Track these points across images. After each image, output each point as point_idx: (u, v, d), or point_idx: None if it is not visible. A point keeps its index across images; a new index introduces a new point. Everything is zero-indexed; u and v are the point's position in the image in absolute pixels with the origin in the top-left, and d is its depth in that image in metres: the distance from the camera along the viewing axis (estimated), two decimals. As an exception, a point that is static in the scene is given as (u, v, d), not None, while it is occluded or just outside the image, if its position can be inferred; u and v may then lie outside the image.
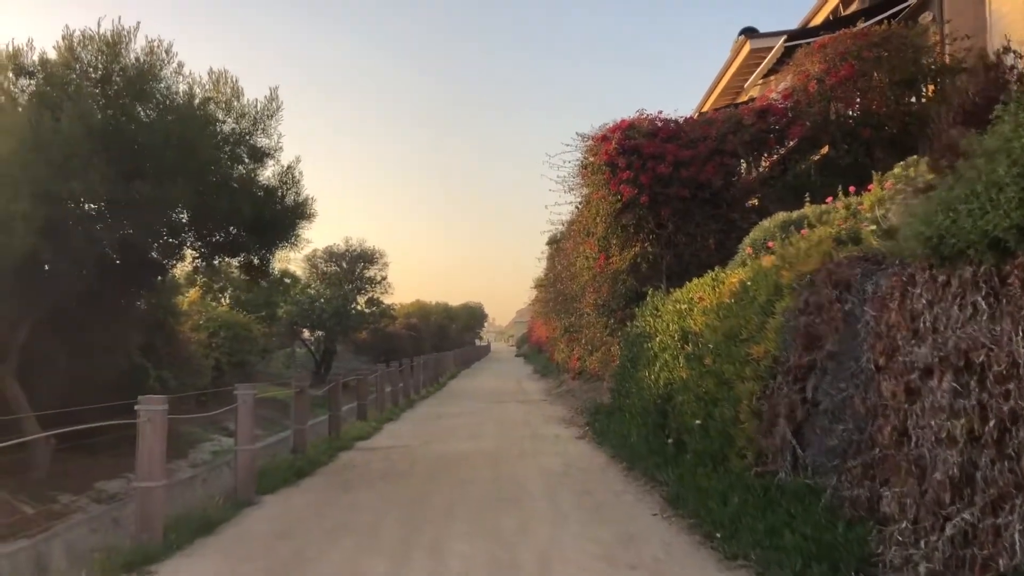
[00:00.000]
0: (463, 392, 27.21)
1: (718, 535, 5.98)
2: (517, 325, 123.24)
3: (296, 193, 11.39)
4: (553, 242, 29.51)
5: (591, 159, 15.13)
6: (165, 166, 9.17)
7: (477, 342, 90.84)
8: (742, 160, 15.04)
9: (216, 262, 12.17)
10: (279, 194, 11.27)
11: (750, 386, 7.08)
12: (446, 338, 61.00)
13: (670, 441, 9.29)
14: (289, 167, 11.36)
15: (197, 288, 18.13)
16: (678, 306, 10.52)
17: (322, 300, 29.30)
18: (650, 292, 13.16)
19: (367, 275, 35.65)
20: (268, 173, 11.32)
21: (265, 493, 8.89)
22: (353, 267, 35.25)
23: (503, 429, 15.11)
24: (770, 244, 9.25)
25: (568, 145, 15.88)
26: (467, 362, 52.32)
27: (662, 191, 14.28)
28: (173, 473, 12.68)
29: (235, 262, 12.19)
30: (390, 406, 18.83)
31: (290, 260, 12.28)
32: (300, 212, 11.48)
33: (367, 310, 37.20)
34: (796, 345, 6.54)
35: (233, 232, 11.27)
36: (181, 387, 13.21)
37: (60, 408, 10.21)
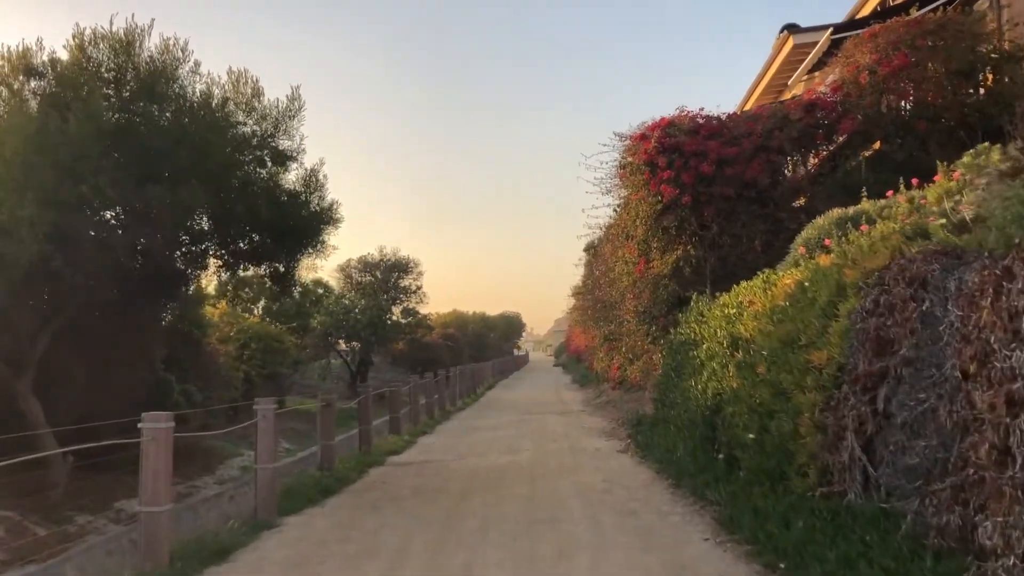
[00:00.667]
0: (500, 403, 26.62)
1: (782, 565, 5.30)
2: (555, 334, 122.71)
3: (320, 197, 10.93)
4: (590, 248, 28.94)
5: (629, 159, 14.50)
6: (180, 169, 8.73)
7: (515, 351, 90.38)
8: (789, 157, 14.32)
9: (240, 271, 11.72)
10: (303, 198, 10.80)
11: (812, 397, 6.39)
12: (484, 348, 60.71)
13: (720, 456, 8.60)
14: (313, 170, 10.91)
15: (225, 299, 17.76)
16: (726, 311, 9.83)
17: (356, 310, 28.90)
18: (694, 297, 12.48)
19: (402, 285, 35.32)
20: (291, 177, 10.88)
21: (288, 514, 8.35)
22: (388, 277, 34.91)
23: (541, 442, 14.49)
24: (827, 242, 8.57)
25: (605, 145, 15.28)
26: (505, 372, 51.75)
27: (705, 190, 13.61)
28: (198, 490, 12.26)
29: (260, 270, 11.72)
30: (425, 418, 18.30)
31: (317, 268, 11.82)
32: (325, 217, 11.00)
33: (403, 320, 36.85)
34: (864, 350, 5.85)
35: (256, 239, 10.83)
36: (208, 401, 12.80)
37: (80, 424, 9.81)
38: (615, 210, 16.56)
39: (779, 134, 13.70)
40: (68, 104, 8.25)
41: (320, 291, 27.99)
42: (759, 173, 13.56)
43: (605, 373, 27.84)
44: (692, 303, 12.45)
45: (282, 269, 11.42)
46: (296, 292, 13.00)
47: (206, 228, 10.67)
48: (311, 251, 11.22)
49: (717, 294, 11.94)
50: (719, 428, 9.04)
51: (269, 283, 11.93)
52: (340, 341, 30.09)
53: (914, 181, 8.67)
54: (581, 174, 20.82)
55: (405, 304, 35.34)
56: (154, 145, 8.71)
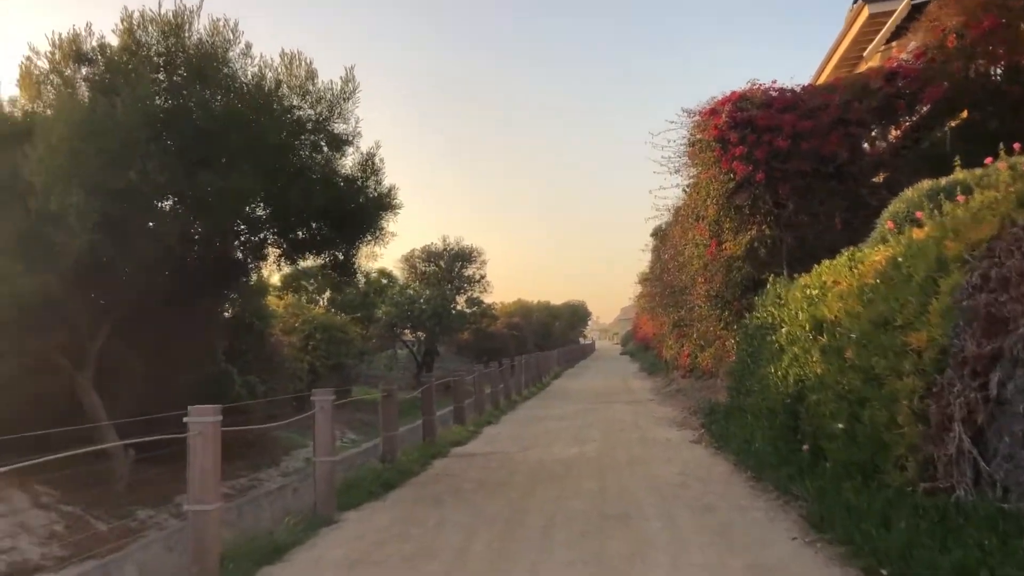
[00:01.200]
0: (567, 392, 26.16)
1: (884, 572, 4.75)
2: (621, 322, 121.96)
3: (377, 182, 10.56)
4: (658, 233, 28.31)
5: (699, 136, 13.90)
6: (232, 154, 8.45)
7: (581, 340, 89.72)
8: (868, 129, 13.53)
9: (300, 260, 11.46)
10: (359, 184, 10.45)
11: (910, 382, 5.79)
12: (549, 337, 60.31)
13: (804, 448, 8.01)
14: (369, 154, 10.53)
15: (290, 290, 17.61)
16: (808, 292, 9.20)
17: (421, 300, 28.67)
18: (771, 279, 11.83)
19: (466, 274, 35.00)
20: (347, 162, 10.54)
21: (347, 509, 8.04)
22: (451, 266, 34.61)
23: (609, 432, 14.00)
24: (918, 215, 7.89)
25: (672, 122, 14.67)
26: (571, 361, 51.23)
27: (780, 167, 12.96)
28: (262, 483, 12.09)
29: (320, 260, 11.43)
30: (490, 408, 17.92)
31: (376, 256, 11.48)
32: (383, 203, 10.64)
33: (468, 310, 36.65)
34: (973, 330, 5.24)
35: (314, 227, 10.52)
36: (271, 392, 12.60)
37: (140, 416, 9.66)
38: (684, 191, 15.95)
39: (858, 105, 12.98)
40: (117, 90, 8.02)
41: (384, 281, 27.79)
42: (837, 147, 12.88)
43: (674, 361, 27.18)
44: (768, 285, 11.81)
45: (341, 257, 11.11)
46: (358, 281, 12.59)
47: (263, 216, 10.41)
48: (370, 238, 10.88)
49: (795, 275, 11.31)
50: (802, 417, 8.46)
51: (330, 272, 11.61)
52: (406, 331, 29.94)
53: (1015, 146, 7.95)
54: (648, 154, 20.21)
55: (469, 294, 35.10)
56: (205, 130, 8.43)
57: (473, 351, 36.86)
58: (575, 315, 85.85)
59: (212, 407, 6.10)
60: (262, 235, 10.79)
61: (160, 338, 10.64)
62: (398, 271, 33.59)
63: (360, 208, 10.43)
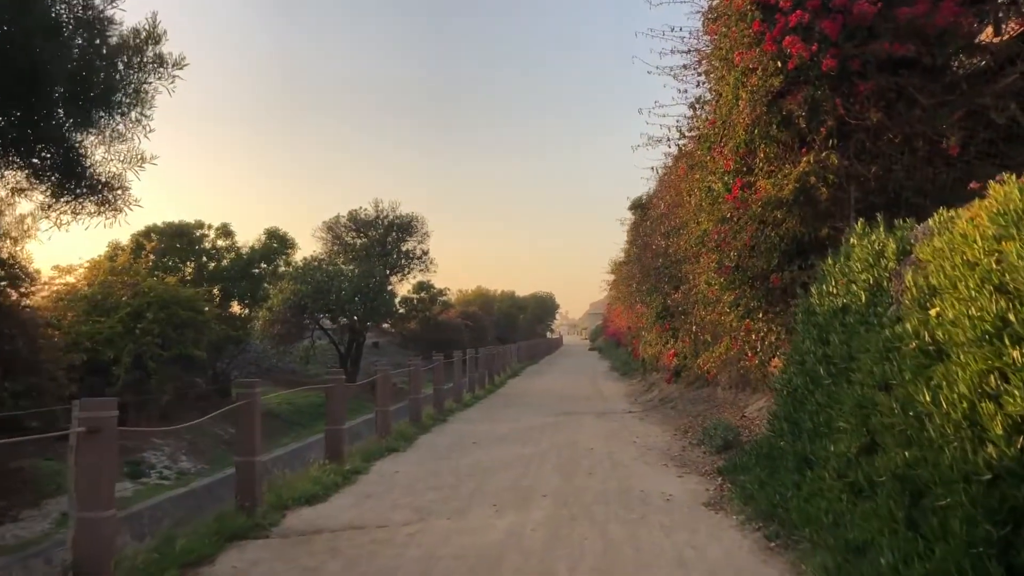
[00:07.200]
0: (522, 396, 20.87)
1: None
2: (591, 317, 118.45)
3: None
4: (639, 206, 23.54)
5: (724, 6, 8.71)
6: None
7: (548, 335, 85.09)
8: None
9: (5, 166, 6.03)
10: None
11: None
12: (513, 330, 55.61)
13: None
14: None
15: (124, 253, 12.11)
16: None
17: (343, 278, 22.94)
18: (859, 225, 6.72)
19: (404, 248, 28.98)
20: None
21: None
22: (385, 238, 28.57)
23: (572, 476, 8.81)
24: None
25: (679, -7, 9.49)
26: (535, 356, 45.89)
27: (858, 49, 7.86)
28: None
29: (35, 163, 6.00)
30: (402, 425, 12.59)
31: (142, 160, 6.25)
32: (99, 31, 5.14)
33: (414, 295, 31.39)
34: None
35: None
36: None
37: None
38: (692, 107, 10.64)
39: (989, -42, 7.92)
40: None
41: (274, 244, 21.74)
42: (957, 18, 7.79)
43: (655, 361, 22.12)
44: (852, 238, 6.71)
45: (56, 154, 5.71)
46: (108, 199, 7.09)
47: None
48: (108, 117, 5.49)
49: (902, 221, 6.32)
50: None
51: (48, 179, 6.15)
52: (325, 317, 24.22)
53: None
54: (638, 50, 14.99)
55: (407, 271, 29.27)
56: None
57: (421, 343, 31.53)
58: (542, 307, 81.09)
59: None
60: None
61: None
62: (319, 243, 27.72)
63: (81, 61, 5.01)
